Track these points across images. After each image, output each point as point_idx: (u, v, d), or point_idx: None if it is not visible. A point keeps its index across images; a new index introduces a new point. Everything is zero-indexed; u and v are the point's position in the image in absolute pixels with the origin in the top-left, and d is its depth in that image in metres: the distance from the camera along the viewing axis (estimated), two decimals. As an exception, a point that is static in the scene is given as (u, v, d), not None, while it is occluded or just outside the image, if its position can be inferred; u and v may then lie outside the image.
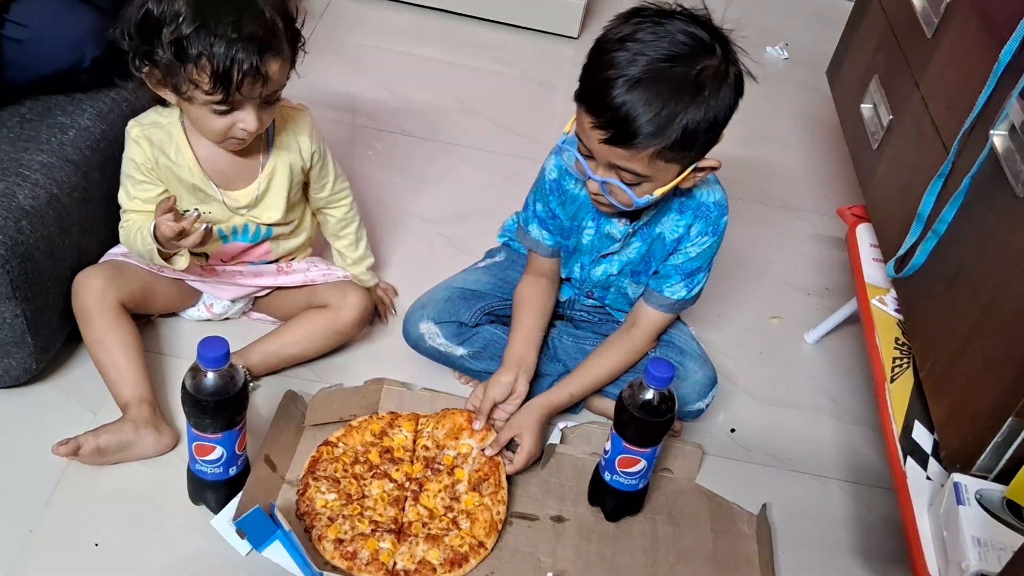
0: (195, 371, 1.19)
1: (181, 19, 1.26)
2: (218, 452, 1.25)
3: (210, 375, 1.18)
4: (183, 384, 1.20)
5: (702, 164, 1.30)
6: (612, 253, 1.47)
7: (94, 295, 1.41)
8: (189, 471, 1.30)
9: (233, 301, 1.59)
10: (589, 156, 1.29)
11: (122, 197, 1.45)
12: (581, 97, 1.26)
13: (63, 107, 1.50)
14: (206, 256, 1.52)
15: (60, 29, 1.44)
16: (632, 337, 1.50)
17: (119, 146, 1.52)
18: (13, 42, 1.41)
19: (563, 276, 1.56)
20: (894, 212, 1.51)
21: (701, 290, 1.48)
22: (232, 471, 1.29)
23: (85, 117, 1.50)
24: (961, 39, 1.45)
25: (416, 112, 2.27)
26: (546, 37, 2.68)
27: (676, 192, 1.38)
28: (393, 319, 1.67)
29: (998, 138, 1.22)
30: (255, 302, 1.63)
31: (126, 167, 1.43)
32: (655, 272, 1.47)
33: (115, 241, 1.52)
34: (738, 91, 1.27)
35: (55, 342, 1.44)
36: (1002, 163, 1.20)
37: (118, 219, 1.54)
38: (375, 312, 1.66)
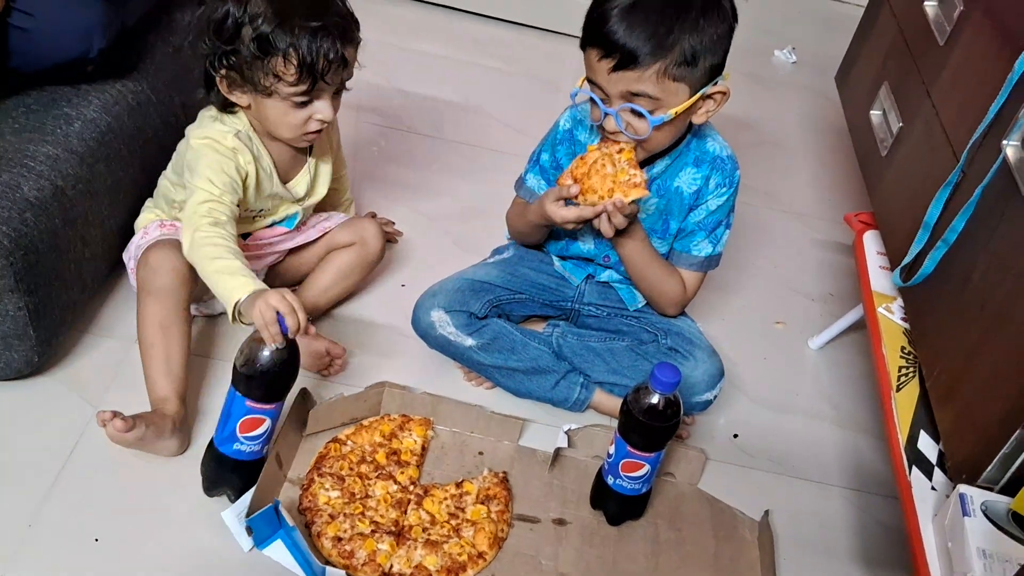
0: (258, 341, 1.20)
1: (261, 19, 1.31)
2: (265, 426, 1.25)
3: (270, 349, 1.19)
4: (245, 356, 1.20)
5: (711, 91, 1.36)
6: None
7: (178, 277, 1.37)
8: (217, 457, 1.28)
9: (257, 272, 1.60)
10: (602, 99, 1.35)
11: (207, 186, 1.35)
12: (585, 38, 1.34)
13: (69, 98, 1.49)
14: (244, 236, 1.54)
15: (67, 19, 1.42)
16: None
17: (125, 138, 1.52)
18: (19, 31, 1.40)
19: (572, 252, 1.58)
20: (902, 220, 1.51)
21: (723, 248, 1.54)
22: (264, 450, 1.29)
23: (91, 109, 1.49)
24: (974, 47, 1.44)
25: (421, 109, 2.26)
26: (553, 36, 2.67)
27: (691, 139, 1.46)
28: (400, 317, 1.65)
29: (1011, 149, 1.22)
30: (268, 274, 1.65)
31: (227, 170, 1.38)
32: (678, 232, 1.52)
33: (121, 235, 1.52)
34: (733, 12, 1.35)
35: (57, 335, 1.43)
36: (1014, 174, 1.20)
37: (123, 212, 1.54)
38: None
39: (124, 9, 1.52)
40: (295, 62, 1.32)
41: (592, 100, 1.37)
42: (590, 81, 1.36)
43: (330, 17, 1.33)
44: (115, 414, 1.28)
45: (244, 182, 1.42)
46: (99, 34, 1.44)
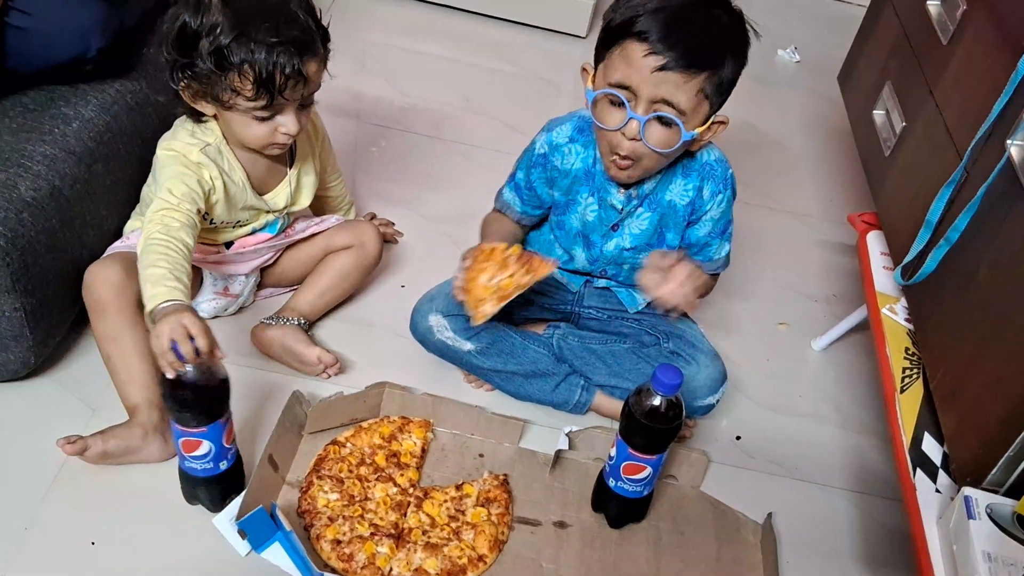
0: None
1: (219, 29, 1.28)
2: (205, 447, 1.23)
3: (189, 368, 1.15)
4: (163, 380, 1.18)
5: (717, 118, 1.35)
6: (620, 224, 1.48)
7: (112, 289, 1.36)
8: (180, 469, 1.28)
9: (247, 275, 1.60)
10: (626, 100, 1.30)
11: (166, 195, 1.34)
12: (622, 35, 1.28)
13: (67, 98, 1.48)
14: (227, 244, 1.53)
15: (66, 18, 1.42)
16: None
17: (123, 138, 1.51)
18: (17, 30, 1.39)
19: (568, 267, 1.57)
20: (905, 220, 1.50)
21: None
22: (222, 465, 1.27)
23: (89, 108, 1.48)
24: (977, 47, 1.43)
25: (421, 110, 2.25)
26: (554, 36, 2.67)
27: (681, 155, 1.42)
28: (399, 320, 1.64)
29: (1015, 148, 1.21)
30: (262, 275, 1.64)
31: (188, 182, 1.36)
32: (687, 246, 1.51)
33: (119, 235, 1.51)
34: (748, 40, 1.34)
35: (54, 336, 1.42)
36: (1018, 173, 1.19)
37: (121, 212, 1.53)
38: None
39: (123, 9, 1.51)
40: (251, 77, 1.29)
41: (610, 102, 1.32)
42: (612, 84, 1.30)
43: (290, 31, 1.30)
44: (66, 439, 1.29)
45: (209, 195, 1.41)
46: (97, 34, 1.44)
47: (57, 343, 1.45)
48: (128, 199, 1.55)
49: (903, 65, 1.69)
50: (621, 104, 1.30)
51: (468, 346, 1.50)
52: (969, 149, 1.31)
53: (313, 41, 1.34)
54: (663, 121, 1.30)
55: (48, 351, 1.42)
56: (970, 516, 1.13)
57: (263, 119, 1.36)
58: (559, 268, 1.59)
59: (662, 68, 1.26)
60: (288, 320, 1.55)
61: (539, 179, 1.50)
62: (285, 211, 1.55)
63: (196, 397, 1.18)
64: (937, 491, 1.26)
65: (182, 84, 1.34)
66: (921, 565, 1.19)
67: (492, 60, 2.52)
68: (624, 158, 1.34)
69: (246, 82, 1.30)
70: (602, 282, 1.59)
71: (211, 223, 1.46)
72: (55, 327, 1.41)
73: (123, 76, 1.56)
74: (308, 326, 1.58)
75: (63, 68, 1.46)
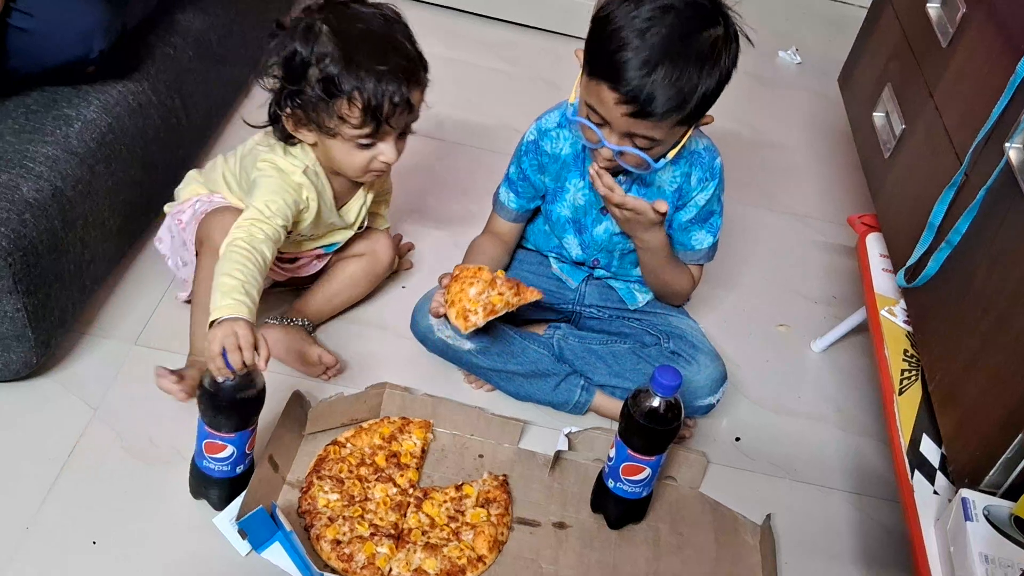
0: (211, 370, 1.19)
1: (329, 59, 1.31)
2: (229, 451, 1.24)
3: (218, 380, 1.18)
4: (201, 383, 1.20)
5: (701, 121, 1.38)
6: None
7: (225, 234, 1.35)
8: (194, 465, 1.29)
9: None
10: (601, 124, 1.33)
11: (261, 207, 1.35)
12: (599, 73, 1.29)
13: (69, 99, 1.49)
14: (294, 260, 1.57)
15: (68, 20, 1.42)
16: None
17: (125, 139, 1.52)
18: (19, 31, 1.40)
19: (563, 256, 1.60)
20: (905, 222, 1.50)
21: (719, 235, 1.55)
22: (239, 470, 1.28)
23: (91, 109, 1.49)
24: (977, 50, 1.44)
25: (423, 110, 2.25)
26: (556, 37, 2.67)
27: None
28: (400, 321, 1.65)
29: (1013, 151, 1.21)
30: None
31: (286, 199, 1.38)
32: (670, 233, 1.52)
33: (121, 236, 1.51)
34: (737, 50, 1.33)
35: (56, 336, 1.42)
36: (1017, 176, 1.19)
37: (123, 213, 1.53)
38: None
39: (125, 11, 1.52)
40: (360, 105, 1.32)
41: (589, 127, 1.34)
42: (589, 106, 1.33)
43: (397, 60, 1.33)
44: (171, 371, 1.38)
45: (302, 213, 1.43)
46: (100, 35, 1.44)
47: (59, 344, 1.45)
48: (130, 199, 1.55)
49: (903, 67, 1.69)
50: (600, 125, 1.34)
51: (468, 345, 1.51)
52: (969, 152, 1.31)
53: (417, 70, 1.37)
54: (638, 146, 1.33)
55: (50, 351, 1.43)
56: (967, 518, 1.13)
57: (365, 147, 1.38)
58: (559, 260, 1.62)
59: (633, 115, 1.28)
60: (292, 321, 1.55)
61: (530, 166, 1.53)
62: (354, 227, 1.57)
63: (232, 405, 1.20)
64: (935, 493, 1.26)
65: (287, 112, 1.36)
66: (919, 567, 1.19)
67: (493, 61, 2.52)
68: (604, 165, 1.38)
69: (354, 110, 1.32)
70: (601, 272, 1.60)
71: (289, 235, 1.46)
72: (57, 327, 1.41)
73: (125, 77, 1.57)
74: (312, 328, 1.58)
75: (65, 69, 1.47)
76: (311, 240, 1.56)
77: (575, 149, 1.49)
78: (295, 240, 1.53)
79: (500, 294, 1.37)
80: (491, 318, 1.37)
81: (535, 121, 1.53)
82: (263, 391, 1.22)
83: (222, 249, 1.30)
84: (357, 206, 1.56)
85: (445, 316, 1.39)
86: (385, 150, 1.39)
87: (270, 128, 1.44)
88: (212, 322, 1.21)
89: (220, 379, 1.18)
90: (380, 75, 1.31)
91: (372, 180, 1.48)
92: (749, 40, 1.33)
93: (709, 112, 1.36)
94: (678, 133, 1.35)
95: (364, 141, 1.37)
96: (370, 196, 1.57)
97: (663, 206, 1.38)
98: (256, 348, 1.19)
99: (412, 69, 1.36)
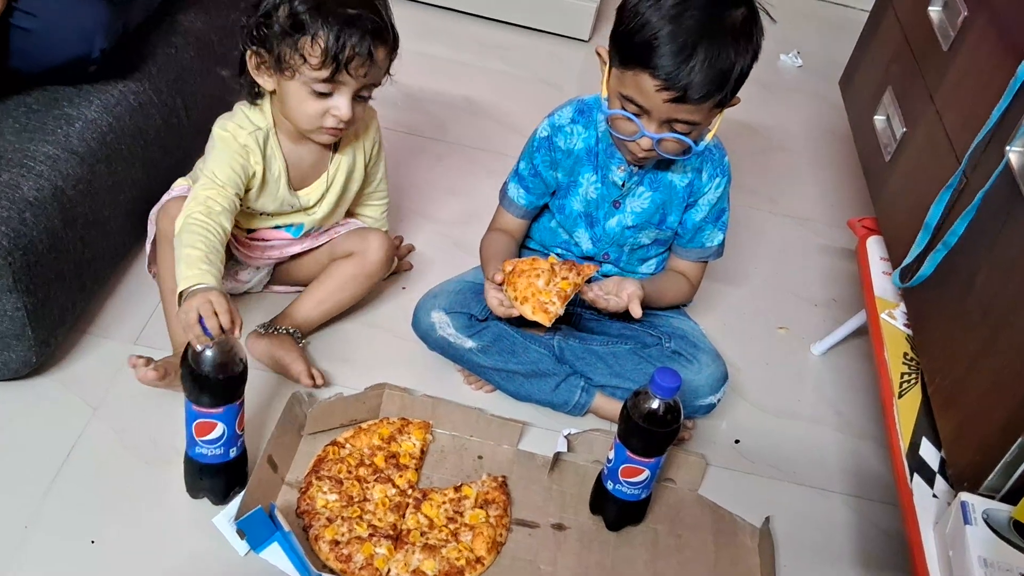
0: (192, 344, 1.19)
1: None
2: (219, 430, 1.24)
3: (208, 350, 1.18)
4: (184, 359, 1.20)
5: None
6: (622, 200, 1.51)
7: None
8: (187, 459, 1.29)
9: (258, 268, 1.61)
10: (639, 114, 1.34)
11: (211, 176, 1.38)
12: (635, 62, 1.30)
13: (70, 98, 1.49)
14: (248, 231, 1.55)
15: (70, 19, 1.42)
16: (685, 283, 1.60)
17: (126, 139, 1.52)
18: (21, 31, 1.40)
19: (569, 252, 1.59)
20: (905, 225, 1.50)
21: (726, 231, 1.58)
22: (232, 453, 1.28)
23: (92, 109, 1.49)
24: (977, 53, 1.44)
25: (424, 111, 2.26)
26: (557, 39, 2.67)
27: None
28: (400, 321, 1.65)
29: (1014, 154, 1.21)
30: (274, 272, 1.65)
31: (234, 166, 1.40)
32: (678, 230, 1.55)
33: (121, 235, 1.51)
34: (762, 26, 1.35)
35: (56, 336, 1.42)
36: (1017, 179, 1.19)
37: (124, 212, 1.53)
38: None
39: (126, 10, 1.52)
40: (322, 44, 1.32)
41: (628, 117, 1.35)
42: (625, 97, 1.34)
43: (368, 15, 1.34)
44: (147, 361, 1.38)
45: (251, 180, 1.43)
46: (101, 35, 1.44)
47: (59, 343, 1.45)
48: (130, 199, 1.55)
49: (904, 71, 1.69)
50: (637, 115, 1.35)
51: (469, 344, 1.51)
52: (968, 154, 1.31)
53: (386, 30, 1.37)
54: (677, 131, 1.34)
55: (50, 350, 1.43)
56: (967, 521, 1.13)
57: (320, 95, 1.37)
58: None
59: (675, 100, 1.29)
60: (279, 329, 1.54)
61: (543, 162, 1.53)
62: (315, 210, 1.55)
63: (216, 374, 1.19)
64: (934, 496, 1.26)
65: (252, 48, 1.37)
66: (917, 570, 1.19)
67: (495, 63, 2.52)
68: (642, 156, 1.40)
69: (316, 48, 1.32)
70: (608, 268, 1.60)
71: (243, 207, 1.47)
72: (57, 327, 1.41)
73: (126, 77, 1.57)
74: (301, 336, 1.56)
75: (67, 69, 1.47)
76: (269, 218, 1.54)
77: (588, 144, 1.50)
78: (247, 213, 1.51)
79: (564, 278, 1.39)
80: (566, 303, 1.39)
81: (547, 117, 1.53)
82: (245, 362, 1.22)
83: (179, 222, 1.31)
84: (319, 192, 1.53)
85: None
86: (340, 103, 1.38)
87: (239, 102, 1.45)
88: (181, 293, 1.21)
89: (200, 347, 1.18)
90: (348, 19, 1.32)
91: (326, 141, 1.46)
92: (770, 16, 1.34)
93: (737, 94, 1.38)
94: (714, 115, 1.37)
95: (321, 88, 1.36)
96: (336, 184, 1.54)
97: (637, 310, 1.42)
98: (231, 314, 1.19)
99: (381, 28, 1.36)
